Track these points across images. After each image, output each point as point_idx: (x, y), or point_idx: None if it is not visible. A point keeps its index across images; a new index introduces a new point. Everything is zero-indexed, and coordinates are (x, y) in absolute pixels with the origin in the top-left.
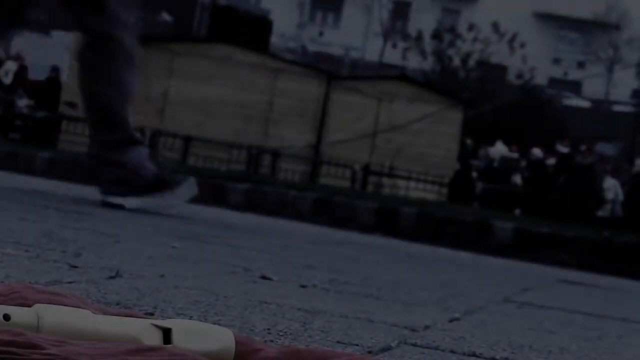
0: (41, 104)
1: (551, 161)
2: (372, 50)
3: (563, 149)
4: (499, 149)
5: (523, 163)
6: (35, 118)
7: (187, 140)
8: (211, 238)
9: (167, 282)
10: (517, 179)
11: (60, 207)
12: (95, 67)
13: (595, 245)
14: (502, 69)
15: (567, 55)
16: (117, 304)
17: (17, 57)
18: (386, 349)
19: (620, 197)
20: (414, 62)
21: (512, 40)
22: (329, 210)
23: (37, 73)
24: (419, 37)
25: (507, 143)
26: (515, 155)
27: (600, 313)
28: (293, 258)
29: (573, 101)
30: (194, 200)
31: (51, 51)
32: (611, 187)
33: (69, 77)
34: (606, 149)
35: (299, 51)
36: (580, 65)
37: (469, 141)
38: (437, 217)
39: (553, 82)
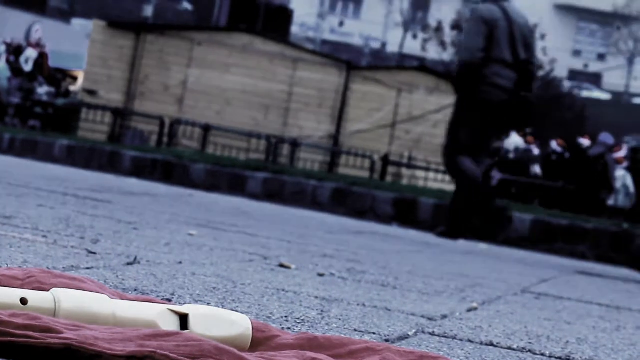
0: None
1: (567, 154)
2: (392, 40)
3: (585, 142)
4: (513, 140)
5: (536, 152)
6: (55, 105)
7: (206, 129)
8: (229, 226)
9: (185, 269)
10: (537, 169)
11: (78, 194)
12: None
13: (614, 237)
14: None
15: (587, 47)
16: (135, 290)
17: (37, 45)
18: (404, 337)
19: (632, 189)
20: (433, 52)
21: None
22: (348, 200)
23: (57, 61)
24: (439, 28)
25: (522, 134)
26: (531, 146)
27: (618, 305)
28: (311, 247)
29: (593, 93)
30: (213, 188)
31: (71, 39)
32: (620, 177)
33: (89, 65)
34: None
35: (319, 41)
36: (601, 57)
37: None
38: None
39: (573, 74)
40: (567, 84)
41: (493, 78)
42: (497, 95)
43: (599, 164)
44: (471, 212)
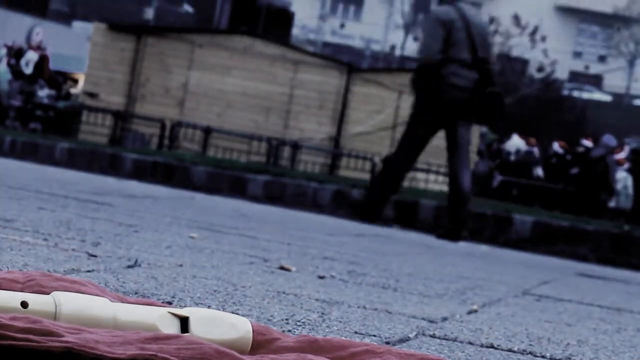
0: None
1: (568, 156)
2: (393, 42)
3: (588, 144)
4: (515, 142)
5: (537, 154)
6: (55, 108)
7: (207, 131)
8: (230, 229)
9: (185, 272)
10: (539, 171)
11: (79, 197)
12: None
13: (615, 239)
14: (523, 62)
15: (588, 48)
16: (136, 293)
17: (38, 47)
18: (404, 339)
19: (630, 190)
20: None
21: (533, 34)
22: (348, 202)
23: (58, 63)
24: None
25: (524, 136)
26: (533, 149)
27: (619, 307)
28: (311, 249)
29: (594, 95)
30: (214, 191)
31: (72, 42)
32: (621, 179)
33: (90, 68)
34: (614, 142)
35: (320, 43)
36: (602, 59)
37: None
38: None
39: (574, 75)
40: (567, 86)
41: (451, 78)
42: (455, 95)
43: (600, 165)
44: (381, 201)
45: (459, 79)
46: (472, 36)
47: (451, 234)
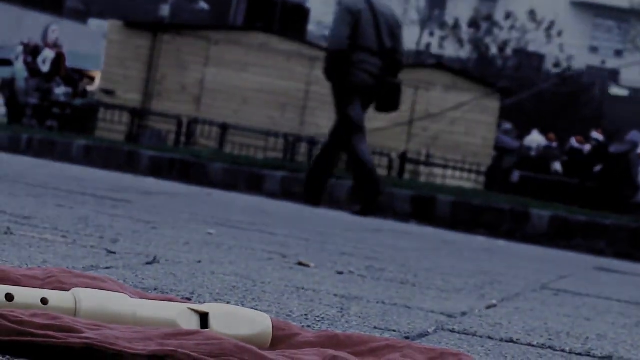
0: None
1: (586, 149)
2: (409, 38)
3: (598, 136)
4: (535, 138)
5: (556, 151)
6: (72, 106)
7: (224, 128)
8: (247, 225)
9: (204, 268)
10: (558, 166)
11: (96, 194)
12: None
13: (632, 233)
14: (539, 58)
15: (604, 43)
16: (155, 290)
17: (55, 45)
18: (424, 334)
19: None
20: (450, 50)
21: (549, 29)
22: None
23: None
24: (456, 26)
25: (543, 132)
26: (552, 144)
27: (638, 301)
28: (329, 245)
29: (611, 89)
30: (231, 187)
31: (88, 39)
32: None
33: (106, 66)
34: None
35: None
36: (618, 53)
37: (508, 126)
38: (473, 205)
39: (590, 70)
40: (585, 80)
41: (359, 64)
42: (365, 79)
43: (622, 161)
44: (370, 190)
45: (368, 66)
46: (379, 26)
47: (369, 208)
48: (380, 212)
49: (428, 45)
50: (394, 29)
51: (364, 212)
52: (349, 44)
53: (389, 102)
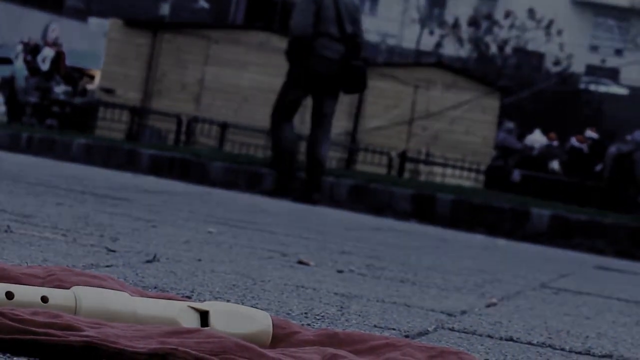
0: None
1: (586, 148)
2: (409, 37)
3: (592, 134)
4: (537, 138)
5: (557, 150)
6: (72, 104)
7: (224, 126)
8: (247, 223)
9: (204, 267)
10: (555, 165)
11: (96, 193)
12: None
13: (633, 232)
14: (539, 56)
15: (604, 42)
16: (155, 288)
17: (55, 44)
18: (423, 333)
19: None
20: (450, 49)
21: (548, 27)
22: (366, 197)
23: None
24: (456, 24)
25: (543, 131)
26: (552, 142)
27: (637, 299)
28: (329, 244)
29: (611, 88)
30: (231, 186)
31: (88, 38)
32: None
33: (106, 64)
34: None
35: None
36: (618, 52)
37: (511, 125)
38: (473, 204)
39: (590, 69)
40: (584, 80)
41: (321, 50)
42: (324, 67)
43: (626, 161)
44: (286, 173)
45: (329, 52)
46: (340, 12)
47: (305, 197)
48: (380, 211)
49: (430, 45)
50: (354, 14)
51: (275, 193)
52: (312, 31)
53: (356, 83)
